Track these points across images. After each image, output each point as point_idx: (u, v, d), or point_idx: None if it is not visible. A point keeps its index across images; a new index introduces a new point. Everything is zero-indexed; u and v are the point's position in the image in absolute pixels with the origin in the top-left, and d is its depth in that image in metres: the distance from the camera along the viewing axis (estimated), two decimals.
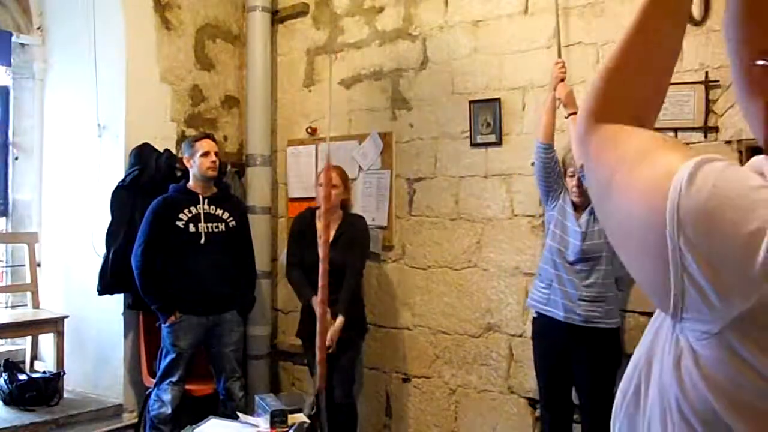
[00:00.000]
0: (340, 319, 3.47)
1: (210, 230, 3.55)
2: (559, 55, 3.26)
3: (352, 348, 3.65)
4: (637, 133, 0.77)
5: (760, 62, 0.70)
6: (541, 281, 3.08)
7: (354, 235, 3.60)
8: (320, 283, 3.08)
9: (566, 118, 3.03)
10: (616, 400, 0.81)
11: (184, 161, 3.61)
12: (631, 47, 0.80)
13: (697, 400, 0.66)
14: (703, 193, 0.64)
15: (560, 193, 3.07)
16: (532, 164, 3.32)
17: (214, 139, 3.67)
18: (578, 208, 3.01)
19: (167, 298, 3.46)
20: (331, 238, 3.40)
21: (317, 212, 3.64)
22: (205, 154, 3.52)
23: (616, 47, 0.82)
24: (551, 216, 3.09)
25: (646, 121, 0.81)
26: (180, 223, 3.48)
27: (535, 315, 3.19)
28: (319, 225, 3.57)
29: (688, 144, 3.07)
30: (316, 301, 3.34)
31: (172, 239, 3.46)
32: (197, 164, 3.53)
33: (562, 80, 3.08)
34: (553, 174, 3.06)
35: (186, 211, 3.51)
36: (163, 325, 3.47)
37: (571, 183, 3.00)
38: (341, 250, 3.44)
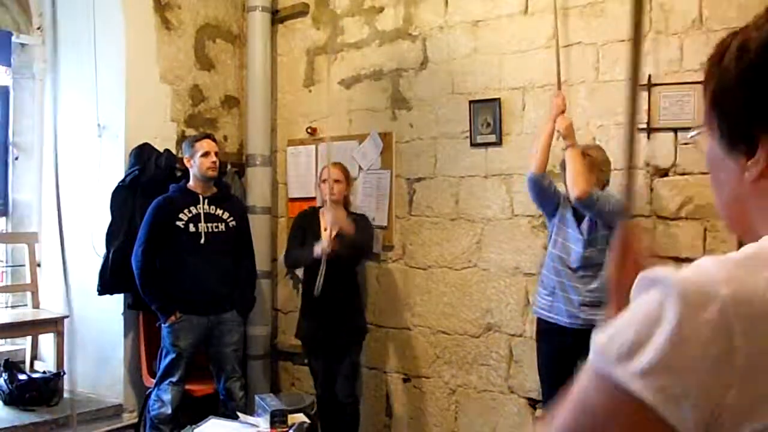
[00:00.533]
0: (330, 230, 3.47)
1: (210, 230, 3.55)
2: (558, 58, 3.25)
3: (353, 351, 3.67)
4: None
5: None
6: (544, 288, 3.09)
7: (360, 230, 3.60)
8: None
9: (563, 150, 3.01)
10: None
11: (185, 161, 3.62)
12: None
13: None
14: None
15: (558, 203, 3.07)
16: None
17: (214, 140, 3.67)
18: (579, 214, 3.01)
19: (167, 298, 3.47)
20: (334, 234, 3.42)
21: (321, 210, 3.66)
22: (206, 154, 3.52)
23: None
24: (552, 224, 3.10)
25: None
26: (180, 223, 3.48)
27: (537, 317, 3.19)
28: (323, 220, 3.58)
29: (687, 144, 3.08)
30: (320, 246, 3.43)
31: (173, 239, 3.47)
32: (197, 164, 3.53)
33: (563, 112, 3.05)
34: (547, 194, 3.07)
35: (186, 211, 3.51)
36: (163, 325, 3.47)
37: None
38: (346, 247, 3.45)
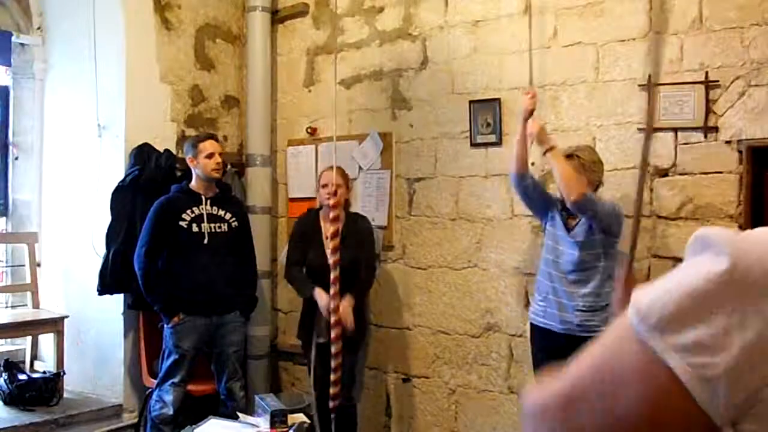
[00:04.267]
0: (348, 299, 3.37)
1: (213, 230, 3.54)
2: (530, 59, 3.25)
3: (353, 351, 3.64)
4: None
5: None
6: (539, 294, 3.09)
7: (362, 235, 3.59)
8: (332, 275, 3.10)
9: (544, 155, 3.00)
10: None
11: (188, 161, 3.60)
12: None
13: None
14: None
15: (549, 207, 3.07)
16: (533, 164, 3.32)
17: (217, 140, 3.67)
18: (570, 217, 2.99)
19: (170, 299, 3.45)
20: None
21: (321, 213, 3.63)
22: (210, 155, 3.51)
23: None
24: (545, 227, 3.10)
25: None
26: (183, 224, 3.47)
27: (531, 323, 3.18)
28: (324, 227, 3.55)
29: (687, 144, 3.08)
30: (319, 292, 3.35)
31: (175, 240, 3.46)
32: (201, 165, 3.52)
33: (532, 112, 3.02)
34: (534, 196, 3.07)
35: (189, 211, 3.50)
36: (166, 326, 3.46)
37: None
38: (349, 249, 3.41)
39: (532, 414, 0.66)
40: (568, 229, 2.97)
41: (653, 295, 0.59)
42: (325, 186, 3.51)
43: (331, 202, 3.43)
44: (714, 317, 0.54)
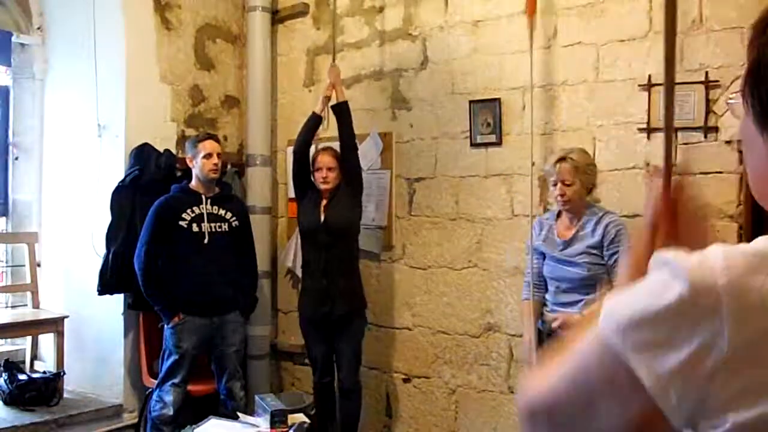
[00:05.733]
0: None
1: (213, 230, 3.54)
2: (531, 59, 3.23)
3: (353, 330, 3.64)
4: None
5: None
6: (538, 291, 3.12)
7: (350, 188, 3.66)
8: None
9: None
10: None
11: (187, 161, 3.61)
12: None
13: None
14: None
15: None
16: (533, 164, 3.32)
17: (217, 140, 3.67)
18: (563, 232, 2.99)
19: (171, 299, 3.45)
20: (326, 202, 3.60)
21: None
22: (208, 155, 3.51)
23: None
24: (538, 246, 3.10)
25: None
26: (183, 223, 3.47)
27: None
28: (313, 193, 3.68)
29: (687, 144, 3.08)
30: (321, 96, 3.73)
31: (175, 239, 3.46)
32: (199, 165, 3.52)
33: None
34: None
35: (189, 211, 3.50)
36: (166, 326, 3.46)
37: (555, 192, 2.97)
38: (339, 210, 3.59)
39: (527, 415, 0.78)
40: (565, 245, 2.98)
41: (616, 300, 0.66)
42: (319, 170, 3.57)
43: (324, 187, 3.59)
44: (670, 328, 0.61)
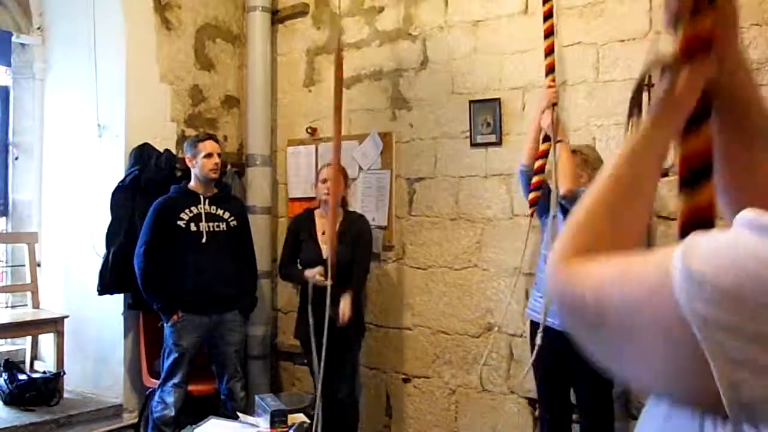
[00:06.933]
0: (347, 297, 3.42)
1: (211, 230, 3.55)
2: (544, 57, 3.19)
3: (352, 347, 3.65)
4: (614, 256, 0.69)
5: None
6: (538, 290, 3.09)
7: (359, 233, 3.60)
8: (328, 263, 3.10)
9: (553, 145, 2.98)
10: None
11: (186, 160, 3.62)
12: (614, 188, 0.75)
13: None
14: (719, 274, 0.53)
15: (548, 202, 3.06)
16: None
17: (217, 140, 3.68)
18: (568, 212, 2.99)
19: (169, 298, 3.46)
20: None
21: (316, 211, 3.65)
22: (208, 155, 3.53)
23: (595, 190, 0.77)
24: (544, 223, 3.10)
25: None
26: (181, 223, 3.48)
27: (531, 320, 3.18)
28: (319, 223, 3.59)
29: None
30: (309, 270, 3.43)
31: (174, 239, 3.47)
32: (199, 165, 3.53)
33: (555, 105, 2.99)
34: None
35: (187, 210, 3.51)
36: (165, 324, 3.48)
37: None
38: (345, 246, 3.44)
39: (570, 294, 0.68)
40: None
41: (708, 263, 0.54)
42: (324, 181, 3.55)
43: (331, 200, 3.45)
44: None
